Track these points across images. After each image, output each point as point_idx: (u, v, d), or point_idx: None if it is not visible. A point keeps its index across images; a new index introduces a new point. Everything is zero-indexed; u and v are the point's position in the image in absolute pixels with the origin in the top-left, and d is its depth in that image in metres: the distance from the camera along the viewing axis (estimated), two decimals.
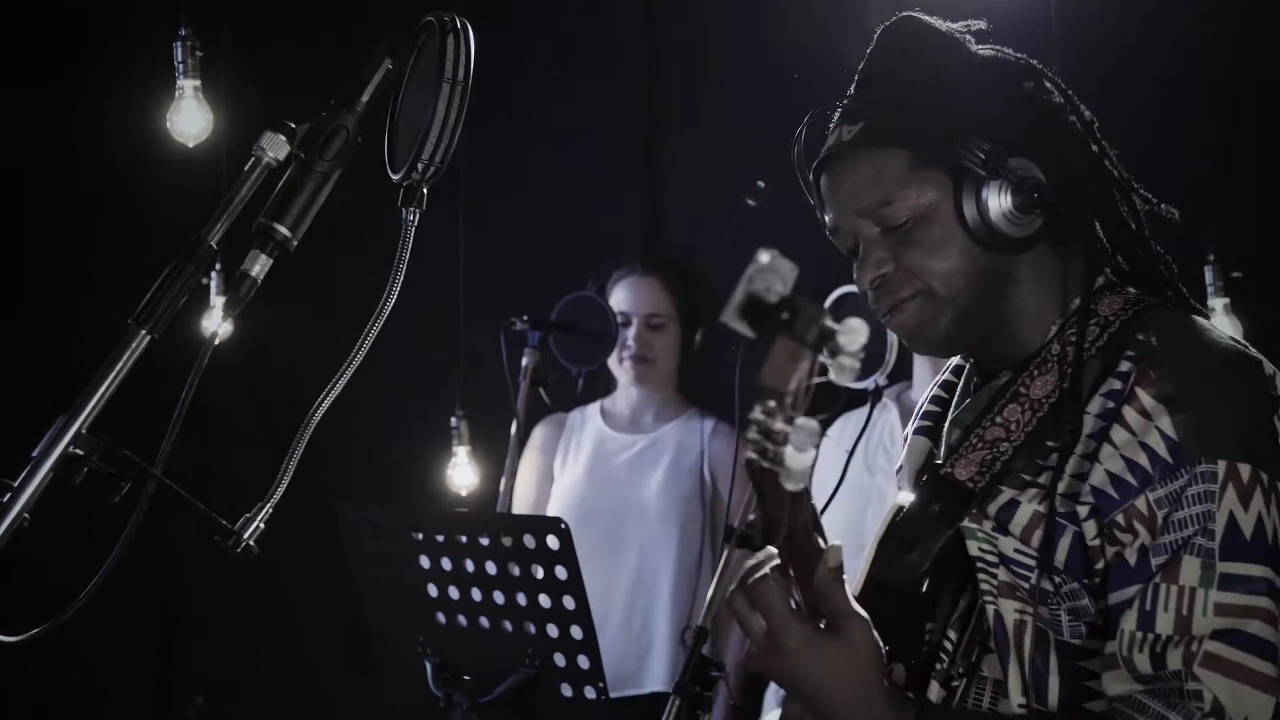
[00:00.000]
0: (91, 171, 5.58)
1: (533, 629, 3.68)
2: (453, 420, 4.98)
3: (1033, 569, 2.09)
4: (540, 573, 3.62)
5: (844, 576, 2.00)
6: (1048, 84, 2.26)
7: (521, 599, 3.67)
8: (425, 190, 1.98)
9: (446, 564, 3.75)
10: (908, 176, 2.19)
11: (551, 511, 4.88)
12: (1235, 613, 1.99)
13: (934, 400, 2.43)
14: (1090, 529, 2.06)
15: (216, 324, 1.96)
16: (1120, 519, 2.04)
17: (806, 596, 2.03)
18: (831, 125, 2.27)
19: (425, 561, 3.78)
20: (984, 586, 2.12)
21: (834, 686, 1.98)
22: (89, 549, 1.93)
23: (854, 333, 1.73)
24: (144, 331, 1.85)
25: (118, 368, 1.84)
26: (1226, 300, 4.24)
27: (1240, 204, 4.43)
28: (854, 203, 2.22)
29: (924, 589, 2.19)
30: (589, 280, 4.92)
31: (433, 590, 3.78)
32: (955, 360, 2.43)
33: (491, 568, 3.68)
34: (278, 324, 5.14)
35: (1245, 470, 2.02)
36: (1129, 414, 2.06)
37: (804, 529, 2.01)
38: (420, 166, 1.95)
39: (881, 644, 2.02)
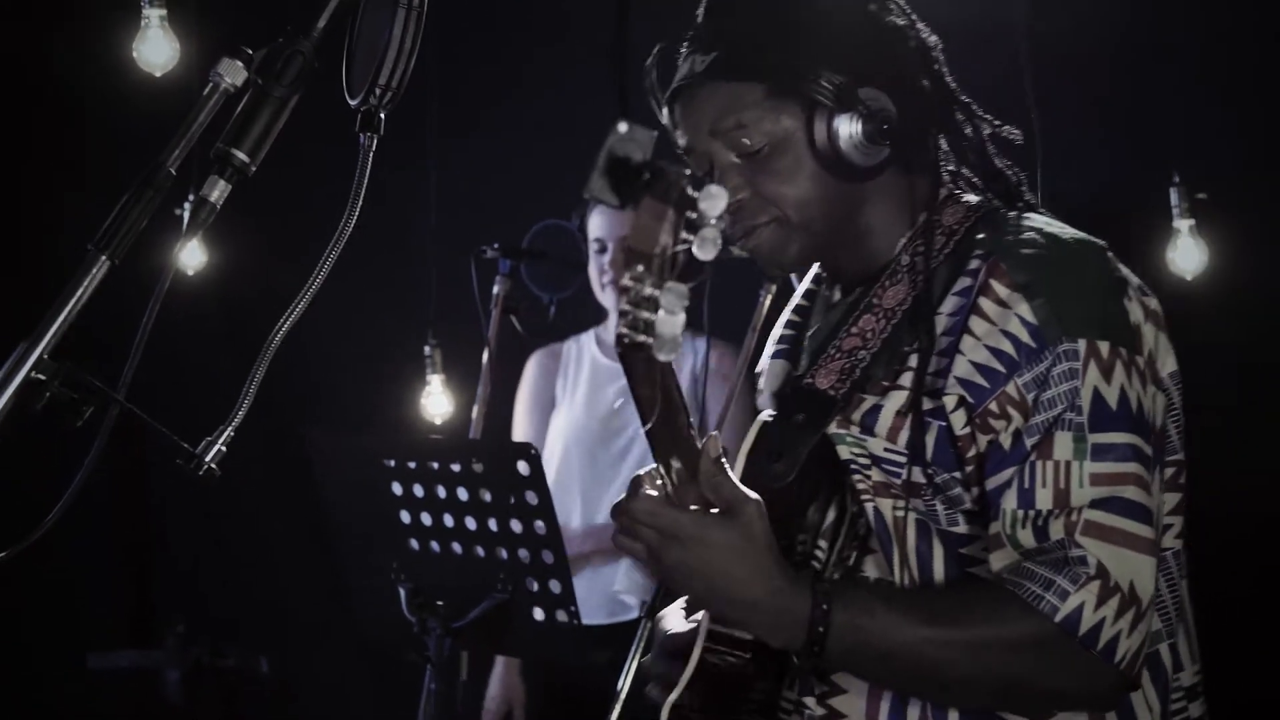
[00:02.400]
0: (59, 101, 5.56)
1: (504, 554, 3.70)
2: (426, 349, 4.98)
3: (903, 465, 2.17)
4: (511, 498, 3.64)
5: (725, 463, 2.06)
6: (891, 5, 2.32)
7: (493, 524, 3.69)
8: (382, 115, 1.98)
9: (418, 490, 3.77)
10: (763, 105, 2.25)
11: (551, 442, 4.89)
12: (1109, 480, 2.09)
13: (788, 324, 2.49)
14: (959, 420, 2.14)
15: (178, 249, 1.95)
16: (994, 406, 2.11)
17: (692, 497, 2.06)
18: (683, 50, 2.33)
19: (397, 488, 3.80)
20: (860, 487, 2.20)
21: (738, 566, 2.04)
22: (59, 475, 1.93)
23: (713, 198, 1.75)
24: (104, 257, 1.85)
25: (79, 293, 1.84)
26: (1192, 222, 4.25)
27: (1204, 125, 4.44)
28: (708, 125, 2.27)
29: (794, 497, 2.26)
30: (572, 214, 4.91)
31: (405, 517, 3.80)
32: (807, 284, 2.50)
33: (463, 494, 3.70)
34: (251, 251, 5.16)
35: (1104, 346, 2.11)
36: (986, 305, 2.15)
37: (681, 428, 2.01)
38: (377, 91, 1.96)
39: None
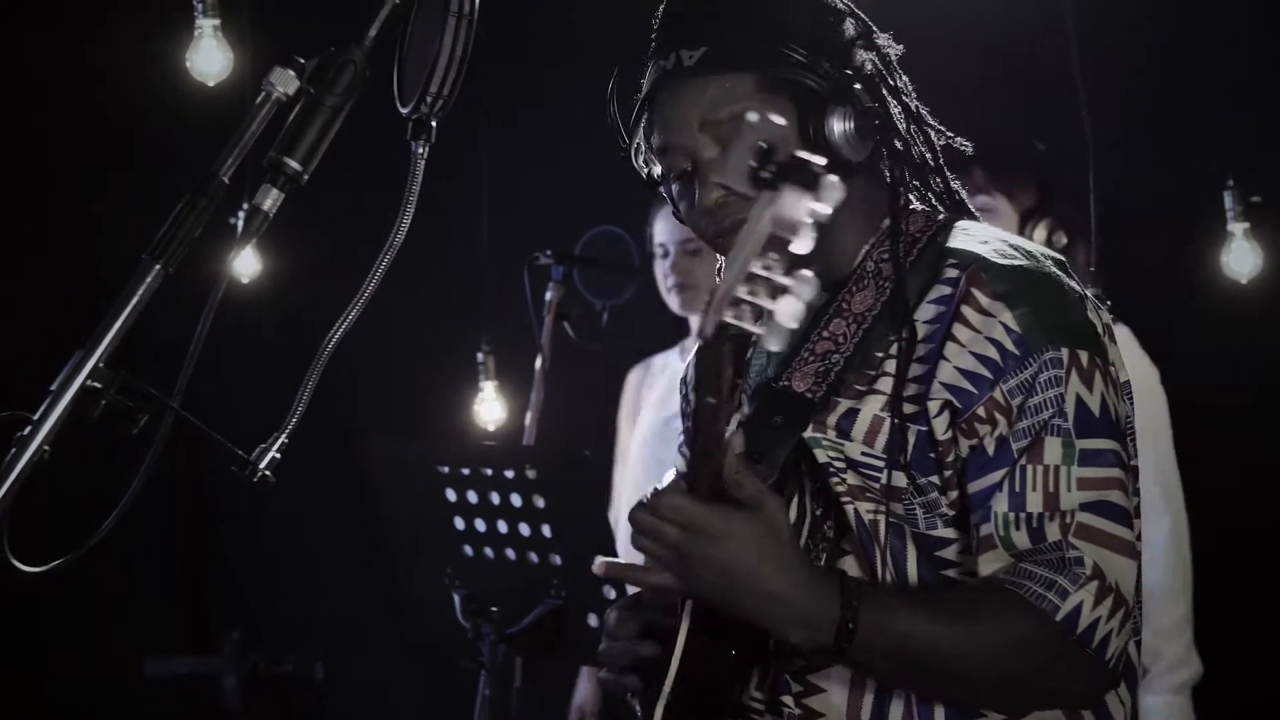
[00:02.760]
0: (113, 110, 5.59)
1: (558, 560, 3.72)
2: (479, 355, 4.98)
3: (881, 469, 2.18)
4: (564, 504, 3.65)
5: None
6: (849, 19, 2.32)
7: (547, 530, 3.70)
8: (434, 123, 1.99)
9: (472, 497, 3.79)
10: (755, 97, 2.23)
11: (633, 450, 4.90)
12: (1097, 485, 2.14)
13: None
14: (941, 424, 2.16)
15: (231, 257, 1.97)
16: (981, 411, 2.14)
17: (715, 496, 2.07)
18: (662, 43, 2.32)
19: (451, 495, 3.81)
20: (838, 489, 2.20)
21: (764, 559, 2.04)
22: (117, 482, 1.95)
23: (833, 188, 1.80)
24: (158, 265, 1.87)
25: (133, 302, 1.86)
26: (1246, 225, 4.21)
27: (1259, 127, 4.41)
28: (697, 118, 2.26)
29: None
30: (645, 227, 4.90)
31: (459, 523, 3.82)
32: None
33: (517, 500, 3.71)
34: (306, 259, 5.18)
35: (1084, 355, 2.17)
36: (968, 313, 2.18)
37: (724, 428, 2.05)
38: (428, 99, 1.97)
39: None
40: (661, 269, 4.76)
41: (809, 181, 1.78)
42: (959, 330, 2.17)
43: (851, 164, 2.24)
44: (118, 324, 1.85)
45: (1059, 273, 2.26)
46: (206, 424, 1.93)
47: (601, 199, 5.24)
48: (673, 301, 4.77)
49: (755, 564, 2.04)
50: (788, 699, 2.22)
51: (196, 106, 4.58)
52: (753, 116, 1.87)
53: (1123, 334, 3.45)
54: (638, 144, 2.39)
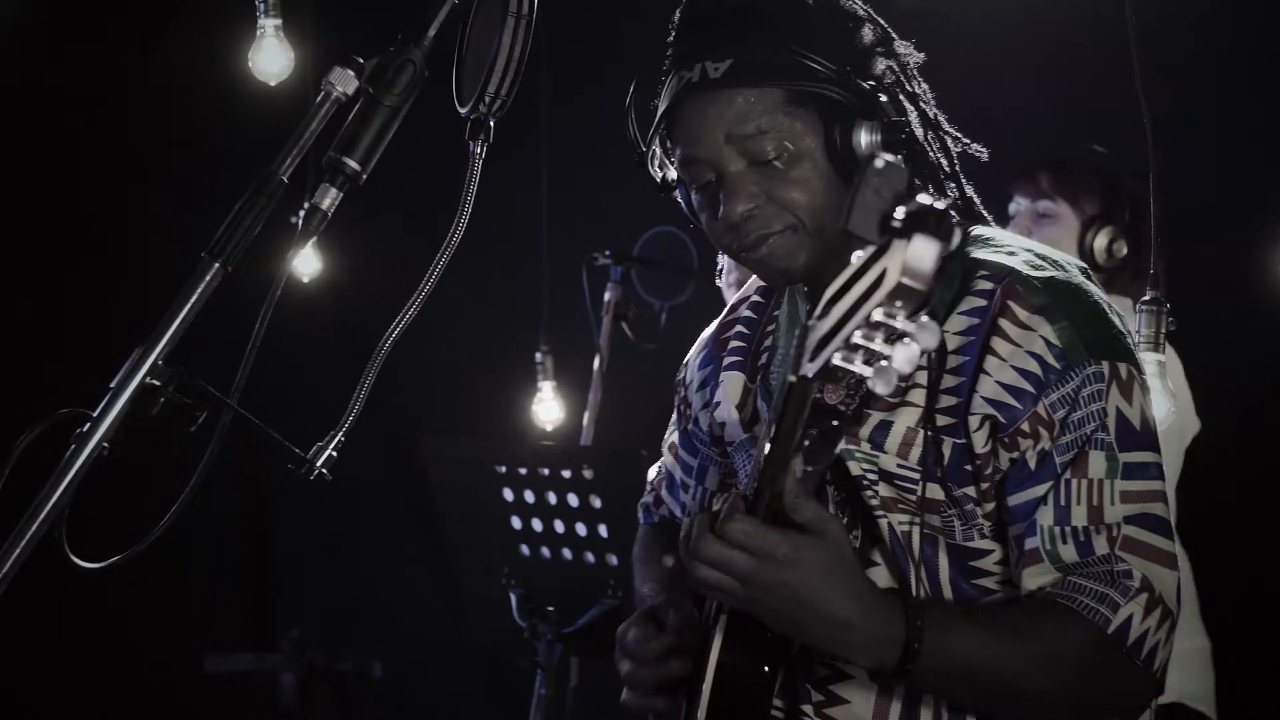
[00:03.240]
0: (175, 109, 5.63)
1: (615, 560, 3.72)
2: (538, 355, 4.99)
3: (916, 481, 2.17)
4: (621, 504, 3.64)
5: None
6: (868, 25, 2.30)
7: (603, 530, 3.71)
8: (492, 124, 1.99)
9: (529, 496, 3.80)
10: (781, 110, 2.22)
11: None
12: (1140, 498, 2.15)
13: (738, 336, 2.49)
14: (981, 438, 2.15)
15: (289, 256, 1.97)
16: (1025, 426, 2.14)
17: (772, 520, 2.04)
18: (684, 54, 2.29)
19: (508, 494, 3.82)
20: (871, 502, 2.19)
21: (831, 585, 2.02)
22: (180, 480, 1.96)
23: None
24: (217, 264, 1.88)
25: (192, 300, 1.87)
26: None
27: None
28: (723, 131, 2.23)
29: None
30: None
31: (516, 523, 3.83)
32: (754, 297, 2.50)
33: (573, 500, 3.72)
34: (367, 259, 5.20)
35: (1122, 368, 2.17)
36: (1007, 327, 2.17)
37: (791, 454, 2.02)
38: (486, 100, 1.97)
39: None
40: (728, 265, 4.74)
41: (938, 230, 1.75)
42: (998, 344, 2.16)
43: None
44: (177, 322, 1.87)
45: (1088, 283, 2.26)
46: (267, 423, 1.94)
47: (660, 199, 5.24)
48: (733, 295, 4.75)
49: (824, 589, 2.02)
50: (807, 708, 2.21)
51: (258, 106, 4.60)
52: (879, 164, 1.83)
53: (1171, 358, 3.42)
54: (653, 151, 2.38)
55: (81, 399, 1.88)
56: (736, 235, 2.26)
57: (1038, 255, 2.26)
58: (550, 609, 3.81)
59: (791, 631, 2.08)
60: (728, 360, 2.48)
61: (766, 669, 2.17)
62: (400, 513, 5.80)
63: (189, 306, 1.87)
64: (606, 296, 4.78)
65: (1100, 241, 3.92)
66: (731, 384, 2.45)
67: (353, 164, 1.94)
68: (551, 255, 5.22)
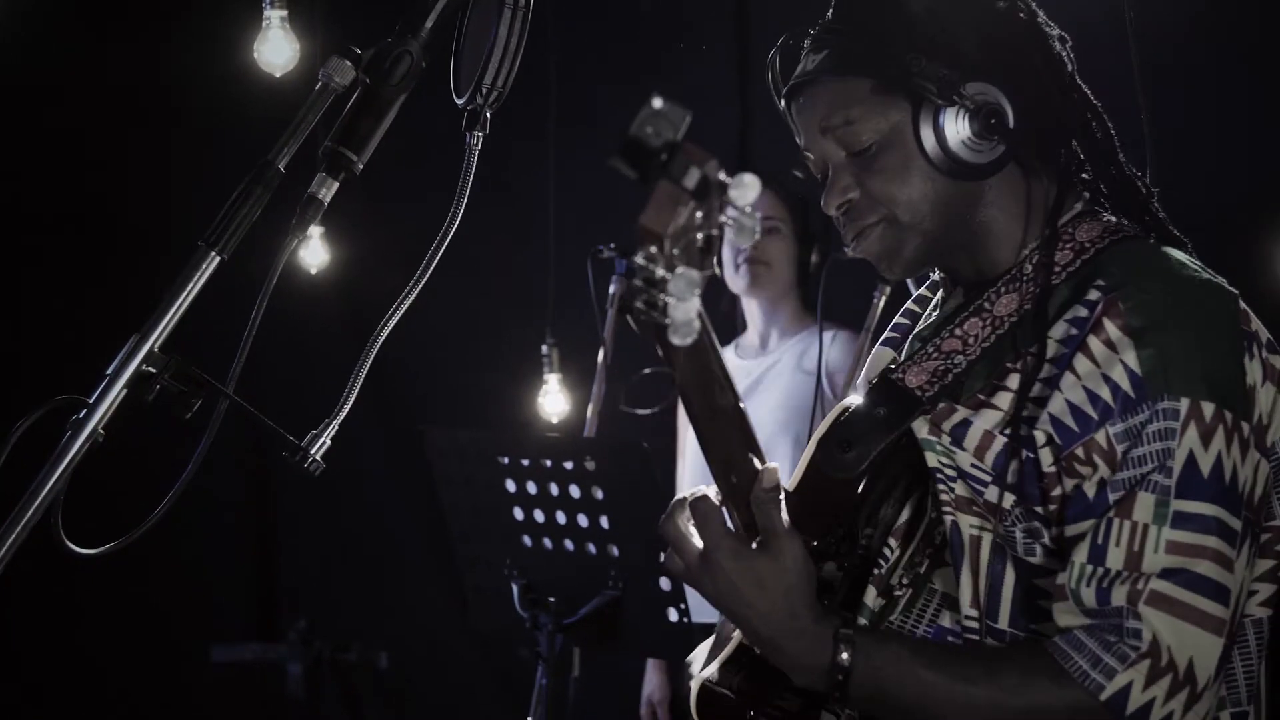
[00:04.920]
0: (179, 98, 5.64)
1: (616, 552, 3.72)
2: (543, 348, 4.99)
3: (988, 484, 2.10)
4: (623, 496, 3.65)
5: (779, 498, 2.04)
6: (1020, 2, 2.25)
7: (605, 522, 3.70)
8: (488, 115, 2.00)
9: (532, 488, 3.80)
10: (870, 101, 2.21)
11: (686, 449, 4.90)
12: (1185, 551, 1.98)
13: (905, 314, 2.44)
14: (1046, 457, 2.06)
15: (286, 245, 1.98)
16: (1079, 452, 2.03)
17: (741, 513, 2.05)
18: (803, 51, 2.29)
19: (511, 485, 3.82)
20: (943, 498, 2.12)
21: (762, 601, 2.03)
22: (176, 468, 1.97)
23: (745, 187, 1.69)
24: (213, 253, 1.88)
25: (188, 288, 1.88)
26: None
27: None
28: (818, 123, 2.24)
29: (859, 489, 2.20)
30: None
31: (518, 514, 3.83)
32: (933, 277, 2.43)
33: (575, 491, 3.72)
34: (374, 250, 5.21)
35: (1209, 409, 2.01)
36: (1094, 344, 2.06)
37: (741, 444, 2.01)
38: (482, 91, 1.97)
39: (812, 541, 2.11)
40: (732, 247, 4.73)
41: (680, 176, 1.67)
42: (1079, 361, 2.06)
43: (978, 166, 2.18)
44: (173, 310, 1.87)
45: (1221, 311, 2.10)
46: (274, 413, 1.94)
47: None
48: (739, 280, 4.74)
49: (754, 603, 2.04)
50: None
51: (264, 97, 4.61)
52: (656, 103, 1.75)
53: None
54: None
55: (78, 385, 1.89)
56: (843, 229, 2.25)
57: (1175, 275, 2.12)
58: (552, 600, 3.80)
59: (737, 627, 2.13)
60: (885, 337, 2.43)
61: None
62: (405, 504, 5.81)
63: (185, 294, 1.88)
64: (611, 289, 4.77)
65: None
66: (877, 359, 2.39)
67: (349, 154, 1.94)
68: (558, 248, 5.22)
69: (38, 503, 1.81)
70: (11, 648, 5.59)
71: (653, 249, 1.67)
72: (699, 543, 2.05)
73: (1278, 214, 4.13)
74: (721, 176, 1.70)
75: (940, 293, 2.39)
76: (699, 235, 1.69)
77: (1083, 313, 2.08)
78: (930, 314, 2.39)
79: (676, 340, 1.68)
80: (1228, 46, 4.28)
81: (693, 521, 2.06)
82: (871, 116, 2.20)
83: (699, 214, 1.69)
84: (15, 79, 5.43)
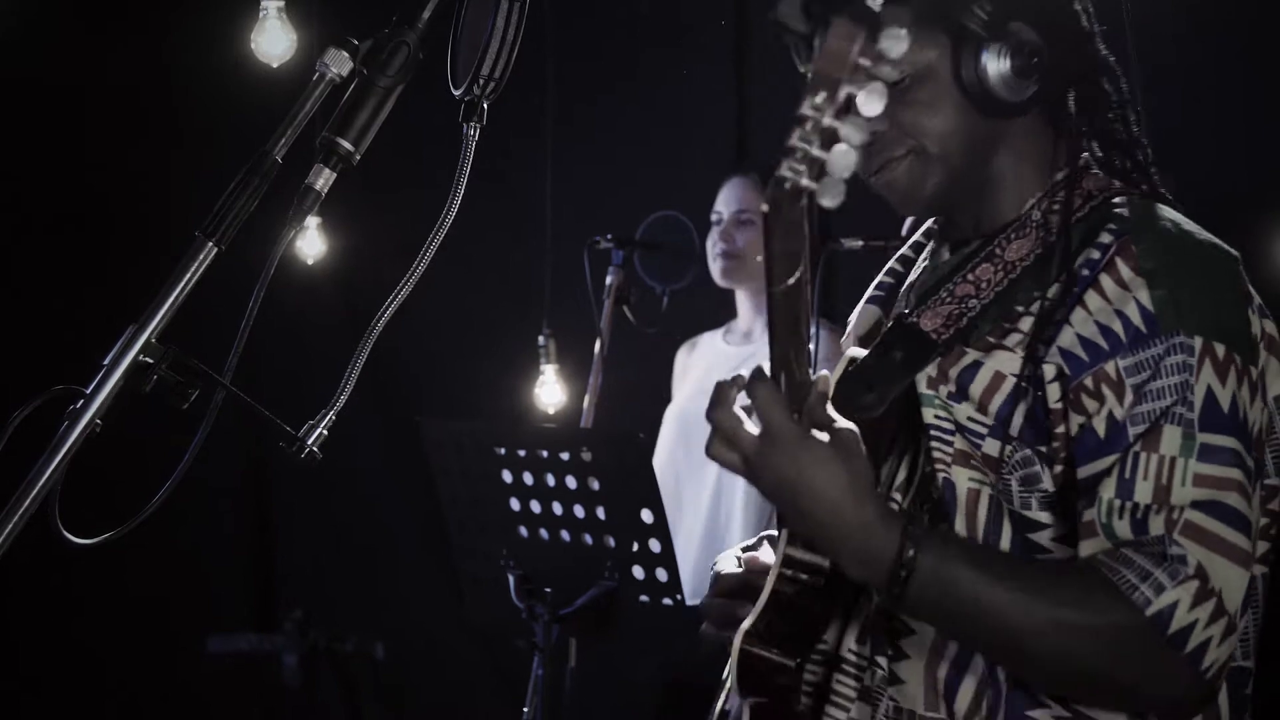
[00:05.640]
0: (177, 92, 5.63)
1: (612, 542, 3.73)
2: (540, 339, 4.98)
3: (985, 436, 2.10)
4: (619, 487, 3.66)
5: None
6: None
7: (601, 513, 3.71)
8: (485, 106, 2.00)
9: (528, 479, 3.81)
10: (910, 28, 2.17)
11: (666, 426, 4.90)
12: (1214, 484, 2.00)
13: (888, 273, 2.44)
14: (1054, 392, 2.06)
15: (283, 236, 1.98)
16: (1088, 383, 2.04)
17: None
18: None
19: (507, 476, 3.83)
20: (936, 454, 2.12)
21: (833, 489, 1.95)
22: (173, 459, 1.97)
23: (897, 39, 1.69)
24: (211, 243, 1.89)
25: (185, 279, 1.88)
26: None
27: None
28: (850, 49, 2.19)
29: (875, 441, 2.13)
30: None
31: (515, 504, 3.84)
32: (916, 237, 2.43)
33: (572, 482, 3.73)
34: (371, 241, 5.21)
35: (1220, 349, 2.03)
36: (1106, 282, 2.08)
37: (799, 344, 1.94)
38: (480, 82, 1.98)
39: None
40: (712, 237, 4.76)
41: (860, 14, 1.68)
42: (1091, 298, 2.08)
43: (1011, 104, 2.17)
44: (170, 300, 1.87)
45: (1226, 265, 2.13)
46: (273, 404, 1.94)
47: (663, 183, 5.25)
48: (715, 269, 4.76)
49: (824, 491, 1.95)
50: (881, 660, 2.16)
51: (261, 89, 4.61)
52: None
53: None
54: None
55: (76, 376, 1.89)
56: (865, 161, 2.19)
57: (1181, 228, 2.15)
58: (548, 590, 3.82)
59: (792, 524, 2.04)
60: (869, 294, 2.42)
61: (824, 582, 2.12)
62: (401, 495, 5.81)
63: (183, 285, 1.88)
64: (608, 280, 4.78)
65: None
66: (864, 317, 2.40)
67: (346, 145, 1.94)
68: (555, 239, 5.22)
69: (35, 492, 1.81)
70: (9, 638, 5.59)
71: (821, 94, 1.66)
72: (754, 428, 1.96)
73: (1275, 210, 4.13)
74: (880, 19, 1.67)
75: (930, 245, 2.38)
76: (854, 88, 1.68)
77: (1095, 254, 2.10)
78: (922, 265, 2.37)
79: (827, 201, 1.66)
80: (1227, 42, 4.28)
81: (749, 403, 1.95)
82: (919, 49, 2.15)
83: (863, 60, 1.69)
84: (11, 72, 5.42)
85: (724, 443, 1.97)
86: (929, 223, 2.42)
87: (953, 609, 2.01)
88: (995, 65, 2.16)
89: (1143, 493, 2.00)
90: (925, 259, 2.38)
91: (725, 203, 4.77)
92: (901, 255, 2.45)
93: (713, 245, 4.75)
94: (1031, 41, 2.16)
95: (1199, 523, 1.99)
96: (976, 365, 2.13)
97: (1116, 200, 2.18)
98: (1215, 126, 4.26)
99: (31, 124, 5.53)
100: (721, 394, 1.98)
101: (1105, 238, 2.11)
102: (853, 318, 2.44)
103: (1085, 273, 2.10)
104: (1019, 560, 2.10)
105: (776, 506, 2.05)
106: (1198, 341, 2.03)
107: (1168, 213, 2.18)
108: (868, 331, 2.37)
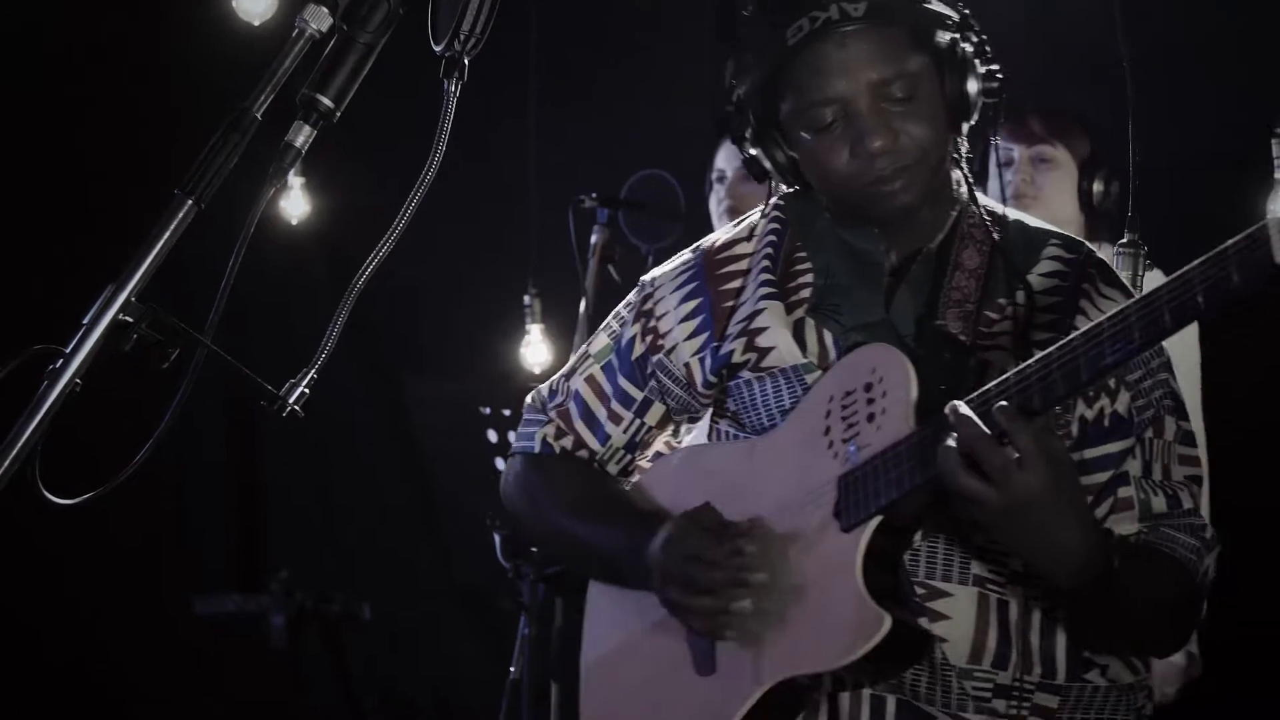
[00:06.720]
0: (160, 49, 5.61)
1: None
2: (525, 298, 4.97)
3: None
4: None
5: None
6: None
7: None
8: (466, 61, 1.98)
9: (514, 438, 3.80)
10: (910, 52, 2.33)
11: None
12: (1193, 463, 2.36)
13: (764, 270, 2.51)
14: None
15: (263, 193, 1.97)
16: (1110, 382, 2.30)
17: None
18: (816, 6, 2.33)
19: (493, 435, 3.83)
20: None
21: (1070, 509, 2.12)
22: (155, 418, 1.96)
23: None
24: (190, 201, 1.87)
25: (165, 237, 1.86)
26: None
27: None
28: (864, 67, 2.31)
29: None
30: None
31: (500, 464, 3.84)
32: (766, 235, 2.54)
33: None
34: (356, 200, 5.20)
35: (1165, 346, 2.28)
36: (1091, 291, 2.36)
37: None
38: (460, 38, 1.96)
39: None
40: (717, 194, 4.74)
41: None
42: (1085, 305, 2.33)
43: (967, 121, 2.39)
44: (149, 258, 1.85)
45: None
46: (257, 363, 1.93)
47: (647, 142, 5.23)
48: (722, 227, 4.74)
49: (1064, 513, 2.11)
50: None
51: (242, 46, 4.59)
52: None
53: (1156, 278, 3.42)
54: (756, 87, 2.43)
55: (55, 336, 1.88)
56: (872, 168, 2.33)
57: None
58: (534, 549, 3.82)
59: (1021, 545, 2.16)
60: (761, 291, 2.48)
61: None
62: (388, 454, 5.81)
63: (162, 243, 1.86)
64: (593, 239, 4.77)
65: (1098, 185, 3.92)
66: (773, 312, 2.46)
67: (326, 101, 1.92)
68: (540, 199, 5.21)
69: (15, 452, 1.80)
70: None
71: None
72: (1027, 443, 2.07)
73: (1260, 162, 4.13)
74: None
75: (828, 240, 2.49)
76: None
77: (1061, 266, 2.38)
78: (838, 261, 2.47)
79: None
80: (1217, 40, 4.28)
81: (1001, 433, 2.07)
82: (911, 67, 2.32)
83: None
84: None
85: (987, 478, 2.07)
86: (752, 218, 2.57)
87: (1109, 599, 2.21)
88: (974, 87, 2.35)
89: (1158, 472, 2.33)
90: (825, 259, 2.48)
91: (726, 160, 4.75)
92: (765, 252, 2.52)
93: (717, 203, 4.73)
94: (994, 61, 2.38)
95: (1197, 495, 2.35)
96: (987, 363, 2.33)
97: (1017, 217, 2.45)
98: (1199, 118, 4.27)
99: (10, 80, 5.50)
100: (983, 441, 2.07)
101: (1057, 250, 2.41)
102: (766, 317, 2.47)
103: (1061, 283, 2.36)
104: (1132, 548, 2.28)
105: (1016, 528, 2.13)
106: (1164, 346, 2.30)
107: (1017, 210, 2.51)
108: (793, 330, 2.45)
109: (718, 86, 5.68)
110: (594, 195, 4.78)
